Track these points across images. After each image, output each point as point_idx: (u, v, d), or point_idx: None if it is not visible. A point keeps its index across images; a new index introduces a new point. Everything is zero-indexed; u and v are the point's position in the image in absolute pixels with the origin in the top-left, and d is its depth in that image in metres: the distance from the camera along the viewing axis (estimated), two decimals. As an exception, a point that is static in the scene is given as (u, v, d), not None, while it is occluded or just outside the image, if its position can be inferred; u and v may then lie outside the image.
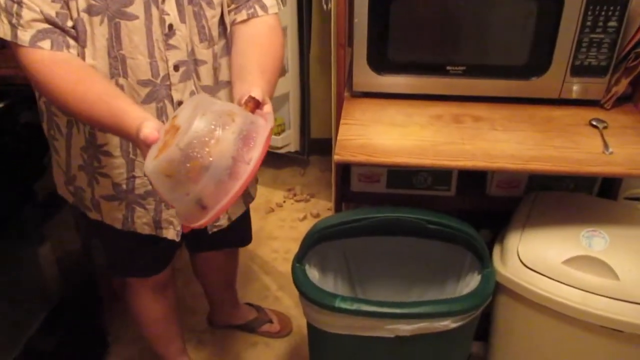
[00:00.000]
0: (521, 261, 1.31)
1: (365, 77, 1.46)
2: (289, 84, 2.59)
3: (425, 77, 1.46)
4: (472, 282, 1.34)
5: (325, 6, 2.27)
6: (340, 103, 1.50)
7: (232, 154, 0.73)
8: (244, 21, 1.10)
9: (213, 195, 0.73)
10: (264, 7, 1.11)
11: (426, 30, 1.44)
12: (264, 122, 0.81)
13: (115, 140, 1.08)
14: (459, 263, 1.40)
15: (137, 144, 0.87)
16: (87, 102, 0.90)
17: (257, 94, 0.88)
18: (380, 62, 1.45)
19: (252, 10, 1.10)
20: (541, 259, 1.29)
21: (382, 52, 1.44)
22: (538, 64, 1.40)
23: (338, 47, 1.45)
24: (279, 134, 2.66)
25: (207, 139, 0.72)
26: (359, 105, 1.48)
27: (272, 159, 2.80)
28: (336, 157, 1.27)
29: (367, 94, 1.51)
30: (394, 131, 1.36)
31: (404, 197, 1.67)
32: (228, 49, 1.14)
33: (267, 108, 0.88)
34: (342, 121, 1.41)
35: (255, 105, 0.86)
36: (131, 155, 1.10)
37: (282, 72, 2.60)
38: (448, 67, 1.44)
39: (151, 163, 0.76)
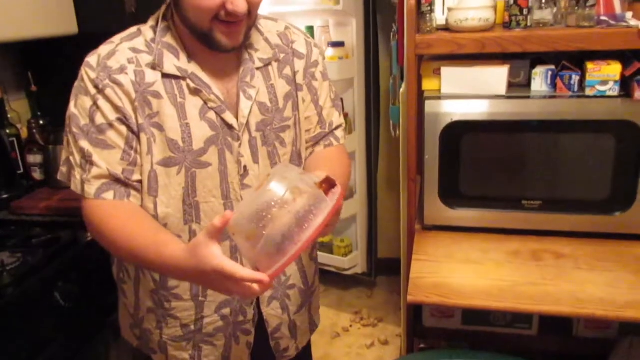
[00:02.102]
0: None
1: (437, 210, 1.45)
2: (357, 206, 2.61)
3: (499, 211, 1.43)
4: None
5: (393, 133, 2.33)
6: (411, 236, 1.47)
7: (282, 232, 0.78)
8: (329, 146, 1.20)
9: (264, 263, 0.81)
10: (337, 139, 1.22)
11: (498, 164, 1.43)
12: (328, 204, 0.83)
13: (185, 284, 1.10)
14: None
15: (183, 264, 0.87)
16: (133, 240, 0.94)
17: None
18: (452, 196, 1.43)
19: (328, 142, 1.20)
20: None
21: (453, 185, 1.43)
22: (622, 198, 1.34)
23: (409, 182, 1.46)
24: (345, 255, 2.64)
25: (264, 213, 0.79)
26: (431, 239, 1.45)
27: (338, 281, 2.76)
28: (409, 298, 1.22)
29: (439, 227, 1.48)
30: (469, 269, 1.31)
31: (481, 334, 1.56)
32: None
33: (338, 189, 0.88)
34: (414, 257, 1.37)
35: (329, 186, 0.86)
36: (200, 298, 1.11)
37: (350, 193, 2.63)
38: (523, 202, 1.40)
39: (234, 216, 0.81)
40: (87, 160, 0.98)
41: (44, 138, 1.89)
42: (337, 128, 1.22)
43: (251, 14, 0.98)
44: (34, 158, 1.89)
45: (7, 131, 1.87)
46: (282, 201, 0.79)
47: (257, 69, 1.08)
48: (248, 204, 0.82)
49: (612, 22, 1.29)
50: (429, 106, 1.37)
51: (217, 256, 0.81)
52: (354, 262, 2.68)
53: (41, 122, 1.96)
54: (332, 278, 2.76)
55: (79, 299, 1.46)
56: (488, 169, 1.43)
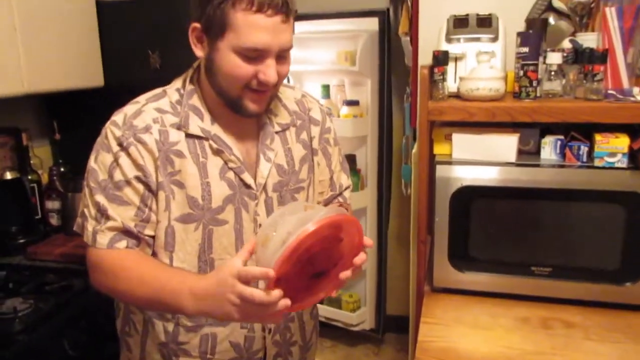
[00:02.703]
0: None
1: (447, 273, 1.45)
2: (366, 262, 2.61)
3: (509, 276, 1.43)
4: None
5: (404, 191, 2.36)
6: (420, 298, 1.48)
7: (288, 229, 0.84)
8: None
9: (272, 262, 0.84)
10: (345, 199, 1.30)
11: (508, 229, 1.44)
12: (333, 209, 0.90)
13: (195, 341, 1.10)
14: None
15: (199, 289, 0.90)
16: (151, 275, 0.97)
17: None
18: (461, 259, 1.44)
19: (336, 202, 1.28)
20: None
21: (463, 249, 1.44)
22: (632, 268, 1.34)
23: (418, 244, 1.47)
24: (354, 310, 2.62)
25: (277, 219, 0.88)
26: (440, 301, 1.45)
27: (346, 337, 2.73)
28: (417, 363, 1.21)
29: (449, 290, 1.48)
30: (478, 334, 1.30)
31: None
32: None
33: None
34: (422, 319, 1.37)
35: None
36: (208, 355, 1.11)
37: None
38: (533, 268, 1.41)
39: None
40: (102, 213, 1.01)
41: (64, 185, 1.95)
42: (345, 189, 1.30)
43: (277, 85, 1.04)
44: (52, 204, 1.94)
45: (29, 177, 1.94)
46: (295, 208, 0.89)
47: (276, 132, 1.13)
48: (265, 226, 0.90)
49: (620, 97, 1.33)
50: (440, 170, 1.40)
51: (236, 264, 0.85)
52: (362, 318, 2.66)
53: (62, 169, 2.02)
54: (339, 334, 2.73)
55: (86, 347, 1.47)
56: (498, 234, 1.44)
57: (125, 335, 1.19)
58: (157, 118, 1.04)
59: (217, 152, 1.06)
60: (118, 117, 1.05)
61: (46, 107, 2.15)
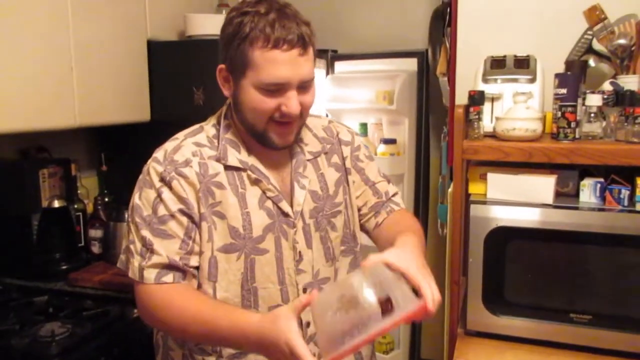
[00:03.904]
0: None
1: (480, 316, 1.41)
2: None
3: (546, 322, 1.38)
4: None
5: (440, 231, 2.33)
6: (452, 341, 1.44)
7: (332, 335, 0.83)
8: (383, 220, 1.24)
9: (326, 345, 0.85)
10: (397, 204, 1.28)
11: (545, 273, 1.40)
12: (380, 321, 0.82)
13: None
14: None
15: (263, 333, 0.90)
16: (201, 312, 0.98)
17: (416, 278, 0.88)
18: (496, 302, 1.40)
19: (389, 208, 1.26)
20: None
21: (498, 291, 1.40)
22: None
23: (452, 285, 1.44)
24: (387, 352, 2.56)
25: (343, 299, 0.85)
26: (473, 345, 1.41)
27: (379, 379, 2.65)
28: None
29: (482, 334, 1.43)
30: (511, 382, 1.25)
31: None
32: (353, 266, 1.22)
33: (425, 289, 0.86)
34: (454, 363, 1.33)
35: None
36: None
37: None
38: (572, 315, 1.35)
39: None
40: (148, 248, 1.03)
41: (107, 214, 2.02)
42: (393, 195, 1.29)
43: (302, 115, 1.07)
44: (95, 232, 2.01)
45: (75, 206, 2.02)
46: (339, 307, 0.85)
47: (308, 160, 1.16)
48: (332, 288, 0.91)
49: (663, 140, 1.30)
50: (475, 210, 1.39)
51: (294, 331, 0.86)
52: (395, 360, 2.59)
53: (106, 199, 2.10)
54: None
55: (118, 375, 1.49)
56: (534, 278, 1.40)
57: None
58: (196, 151, 1.08)
59: (256, 182, 1.09)
60: (159, 154, 1.09)
61: (95, 139, 2.25)
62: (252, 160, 1.10)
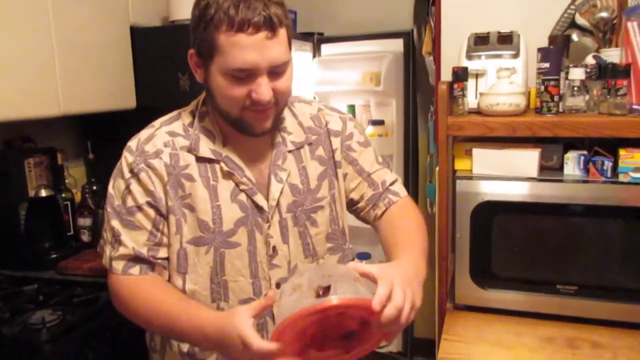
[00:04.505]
0: None
1: (469, 290, 1.43)
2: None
3: (533, 294, 1.40)
4: None
5: (430, 210, 2.34)
6: (442, 316, 1.45)
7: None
8: (383, 213, 1.19)
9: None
10: (396, 194, 1.21)
11: (531, 245, 1.41)
12: (311, 300, 0.81)
13: (212, 357, 1.10)
14: None
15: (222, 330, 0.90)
16: (163, 307, 0.99)
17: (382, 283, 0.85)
18: (483, 276, 1.42)
19: (387, 200, 1.20)
20: None
21: (485, 265, 1.42)
22: (662, 287, 1.29)
23: (440, 260, 1.46)
24: (380, 333, 2.59)
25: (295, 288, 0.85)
26: (462, 319, 1.43)
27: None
28: (436, 380, 1.19)
29: (471, 308, 1.45)
30: (500, 353, 1.27)
31: None
32: (342, 263, 1.18)
33: (381, 288, 0.82)
34: (443, 336, 1.35)
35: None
36: None
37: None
38: (558, 286, 1.37)
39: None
40: (116, 239, 1.04)
41: (95, 203, 2.01)
42: (392, 184, 1.22)
43: (278, 102, 1.02)
44: (84, 221, 2.01)
45: (63, 195, 2.01)
46: (336, 272, 0.87)
47: (289, 151, 1.12)
48: (289, 282, 0.88)
49: (644, 110, 1.31)
50: (460, 185, 1.40)
51: (246, 325, 0.85)
52: (388, 340, 2.62)
53: (94, 187, 2.09)
54: (365, 356, 2.69)
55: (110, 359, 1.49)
56: (520, 251, 1.42)
57: (151, 350, 1.20)
58: (168, 142, 1.06)
59: (228, 175, 1.06)
60: (133, 142, 1.07)
61: (81, 128, 2.23)
62: (226, 152, 1.07)
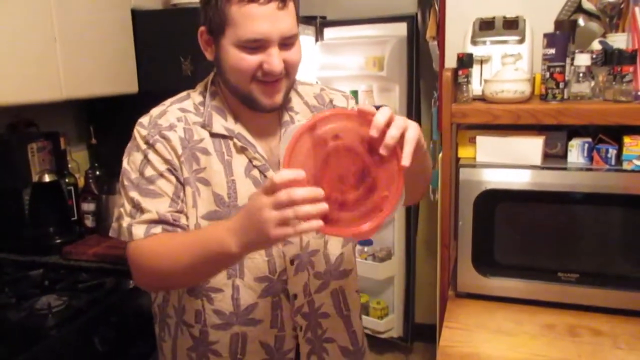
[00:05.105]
0: None
1: (471, 278, 1.44)
2: (395, 268, 2.60)
3: (534, 281, 1.40)
4: None
5: (432, 196, 2.34)
6: (444, 303, 1.46)
7: None
8: None
9: None
10: None
11: (533, 234, 1.41)
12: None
13: (225, 340, 1.11)
14: None
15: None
16: (191, 241, 0.96)
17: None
18: (486, 264, 1.42)
19: None
20: None
21: (487, 253, 1.42)
22: (664, 276, 1.29)
23: (442, 248, 1.46)
24: (381, 317, 2.61)
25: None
26: (464, 307, 1.43)
27: (373, 344, 2.71)
28: (437, 367, 1.20)
29: (473, 295, 1.46)
30: (501, 340, 1.28)
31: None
32: (346, 239, 1.17)
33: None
34: (445, 324, 1.36)
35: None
36: (238, 356, 1.11)
37: (388, 254, 2.63)
38: (559, 274, 1.38)
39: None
40: (137, 208, 1.03)
41: (99, 187, 2.01)
42: None
43: (289, 74, 1.03)
44: (88, 206, 2.01)
45: (67, 180, 2.01)
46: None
47: None
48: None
49: (650, 98, 1.30)
50: (464, 173, 1.39)
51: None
52: (390, 325, 2.65)
53: (97, 172, 2.09)
54: (367, 341, 2.72)
55: (116, 344, 1.51)
56: (523, 239, 1.42)
57: (161, 340, 1.20)
58: (181, 117, 1.07)
59: (242, 150, 1.07)
60: (144, 119, 1.08)
61: (84, 112, 2.23)
62: (238, 128, 1.08)
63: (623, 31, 1.49)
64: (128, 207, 1.05)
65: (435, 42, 2.13)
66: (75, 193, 2.04)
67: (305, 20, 2.53)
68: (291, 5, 0.99)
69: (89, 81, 1.84)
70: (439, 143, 2.16)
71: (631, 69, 1.30)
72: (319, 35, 2.61)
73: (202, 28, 1.04)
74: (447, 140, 1.44)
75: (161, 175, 1.04)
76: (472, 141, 1.45)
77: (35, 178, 1.89)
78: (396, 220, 2.57)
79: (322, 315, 1.17)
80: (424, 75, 2.51)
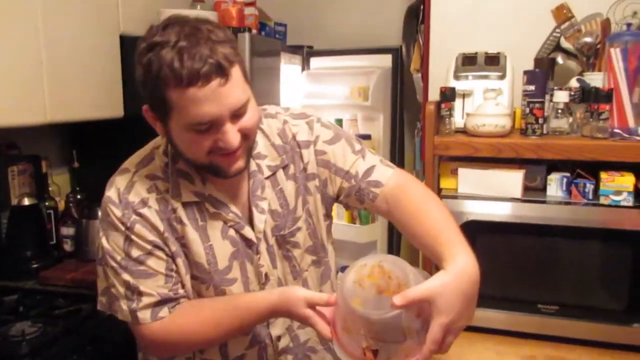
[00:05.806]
0: None
1: (452, 308, 1.44)
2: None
3: (515, 313, 1.41)
4: None
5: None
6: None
7: None
8: (375, 197, 1.08)
9: None
10: (378, 184, 1.07)
11: (514, 265, 1.43)
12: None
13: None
14: None
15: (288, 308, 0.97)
16: (220, 320, 1.01)
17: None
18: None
19: (371, 195, 1.08)
20: None
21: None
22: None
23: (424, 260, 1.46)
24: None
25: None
26: (444, 337, 1.43)
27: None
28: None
29: (454, 326, 1.46)
30: (481, 372, 1.28)
31: None
32: (325, 277, 1.17)
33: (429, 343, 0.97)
34: (426, 355, 1.35)
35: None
36: None
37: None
38: (539, 305, 1.39)
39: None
40: (134, 291, 0.99)
41: (79, 211, 1.99)
42: (370, 171, 1.09)
43: (248, 138, 0.97)
44: (67, 230, 1.98)
45: (47, 203, 1.99)
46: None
47: (266, 178, 1.08)
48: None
49: (625, 135, 1.34)
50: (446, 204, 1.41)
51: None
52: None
53: (78, 196, 2.07)
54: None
55: (91, 374, 1.48)
56: (503, 270, 1.43)
57: None
58: (151, 187, 1.01)
59: (215, 215, 1.03)
60: (111, 192, 1.01)
61: (67, 135, 2.21)
62: (209, 190, 1.02)
63: (600, 70, 1.54)
64: (121, 289, 1.00)
65: (419, 74, 2.18)
66: (55, 217, 2.01)
67: (292, 49, 2.57)
68: (235, 72, 0.90)
69: (74, 105, 1.83)
70: (422, 173, 2.19)
71: (607, 107, 1.34)
72: (305, 64, 2.65)
73: (145, 107, 0.96)
74: (429, 171, 1.46)
75: (149, 253, 1.00)
76: (454, 173, 1.47)
77: (14, 201, 1.86)
78: (378, 248, 2.58)
79: (309, 350, 1.17)
80: (408, 106, 2.56)
